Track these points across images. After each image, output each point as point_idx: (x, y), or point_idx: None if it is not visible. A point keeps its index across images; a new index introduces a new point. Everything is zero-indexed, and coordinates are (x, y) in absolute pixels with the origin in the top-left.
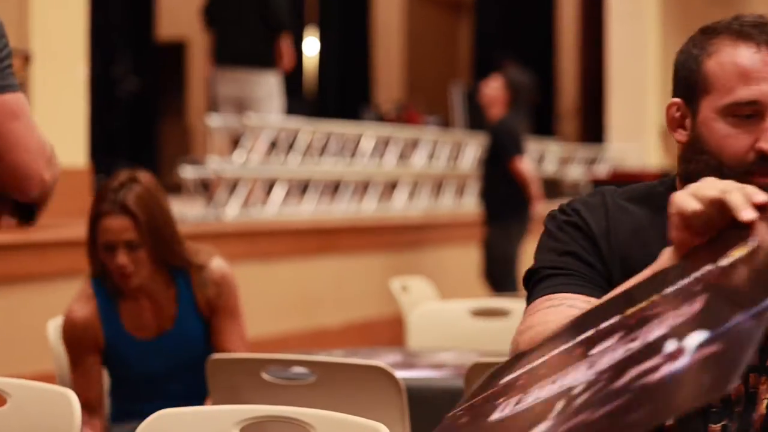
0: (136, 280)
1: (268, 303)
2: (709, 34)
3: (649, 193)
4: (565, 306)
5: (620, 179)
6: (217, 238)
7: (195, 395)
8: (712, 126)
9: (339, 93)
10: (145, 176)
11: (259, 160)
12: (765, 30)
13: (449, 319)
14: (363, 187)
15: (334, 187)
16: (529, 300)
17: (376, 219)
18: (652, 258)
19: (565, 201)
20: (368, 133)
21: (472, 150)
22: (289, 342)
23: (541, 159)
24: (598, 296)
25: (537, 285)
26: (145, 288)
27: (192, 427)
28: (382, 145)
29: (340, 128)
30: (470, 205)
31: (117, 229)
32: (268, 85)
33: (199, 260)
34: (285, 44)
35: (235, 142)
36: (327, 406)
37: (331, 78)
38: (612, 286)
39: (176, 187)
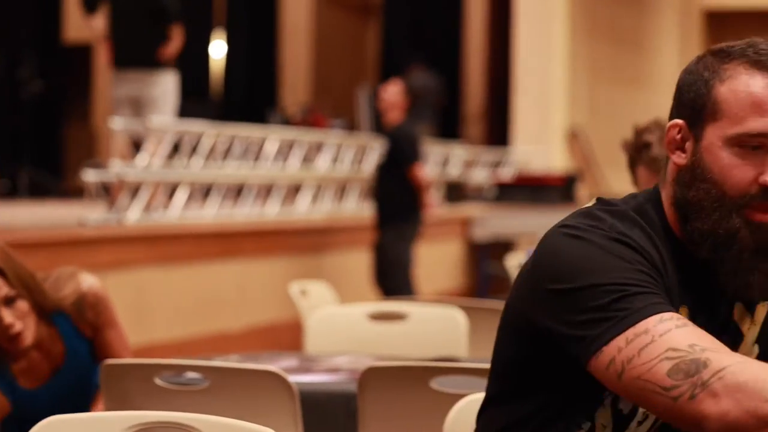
0: (27, 335)
1: (169, 307)
2: (722, 58)
3: (638, 214)
4: (692, 326)
5: (525, 182)
6: (118, 242)
7: None
8: (717, 154)
9: (246, 95)
10: None
11: (161, 163)
12: None
13: (347, 323)
14: (266, 191)
15: (237, 191)
16: (625, 319)
17: (279, 223)
18: (668, 284)
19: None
20: (272, 137)
21: (377, 154)
22: (191, 346)
23: (445, 162)
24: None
25: (624, 300)
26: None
27: None
28: (286, 149)
29: (244, 131)
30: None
31: None
32: (164, 84)
33: (69, 294)
34: (176, 34)
35: (137, 146)
36: (220, 411)
37: (238, 80)
38: None
39: (79, 191)
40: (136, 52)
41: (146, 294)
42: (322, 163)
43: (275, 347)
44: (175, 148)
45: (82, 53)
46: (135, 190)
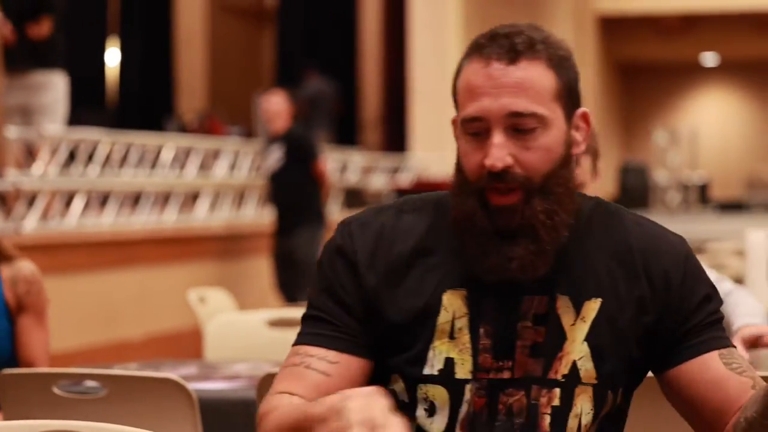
0: None
1: (69, 316)
2: (466, 50)
3: (437, 205)
4: (302, 367)
5: (423, 188)
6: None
7: None
8: (459, 142)
9: (142, 103)
10: None
11: (57, 171)
12: (498, 41)
13: (246, 330)
14: (164, 198)
15: (134, 199)
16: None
17: (178, 230)
18: (432, 272)
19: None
20: (169, 144)
21: (270, 160)
22: (91, 355)
23: (343, 168)
24: (347, 347)
25: (302, 324)
26: None
27: None
28: (183, 156)
29: (140, 139)
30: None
31: None
32: (55, 89)
33: (12, 256)
34: (44, 23)
35: (31, 154)
36: (119, 420)
37: (133, 88)
38: (369, 317)
39: None
40: (21, 53)
41: None
42: (220, 170)
43: (176, 355)
44: (71, 156)
45: None
46: (31, 199)
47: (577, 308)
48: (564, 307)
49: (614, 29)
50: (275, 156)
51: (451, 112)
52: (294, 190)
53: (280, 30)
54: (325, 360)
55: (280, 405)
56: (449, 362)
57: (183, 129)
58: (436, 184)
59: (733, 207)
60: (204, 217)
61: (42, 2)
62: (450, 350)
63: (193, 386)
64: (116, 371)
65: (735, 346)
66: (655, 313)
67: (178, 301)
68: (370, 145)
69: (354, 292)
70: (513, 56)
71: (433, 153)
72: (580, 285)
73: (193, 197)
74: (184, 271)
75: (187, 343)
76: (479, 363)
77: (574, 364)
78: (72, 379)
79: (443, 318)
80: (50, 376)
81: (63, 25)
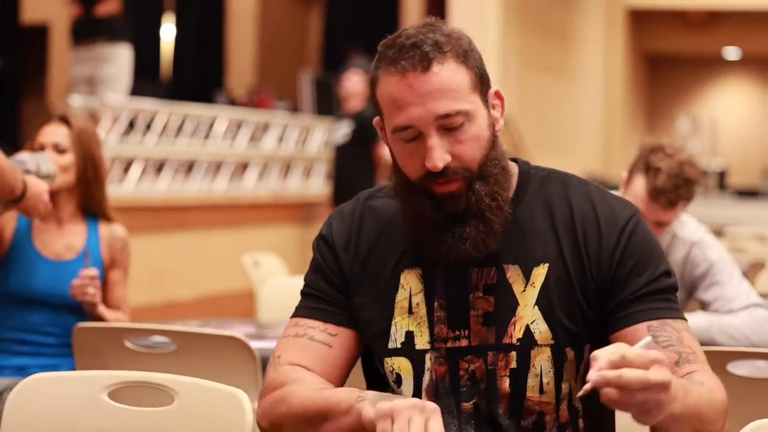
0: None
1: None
2: (376, 60)
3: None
4: (306, 339)
5: None
6: None
7: (65, 345)
8: (393, 147)
9: (194, 77)
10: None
11: (117, 139)
12: (407, 52)
13: (298, 292)
14: (216, 167)
15: (188, 167)
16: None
17: (228, 198)
18: (391, 254)
19: None
20: (222, 116)
21: (320, 134)
22: (143, 313)
23: None
24: (342, 321)
25: (300, 299)
26: (57, 213)
27: (63, 392)
28: (234, 128)
29: (195, 110)
30: (317, 186)
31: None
32: (120, 61)
33: (113, 218)
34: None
35: (94, 121)
36: (186, 372)
37: (187, 63)
38: (353, 297)
39: None
40: (92, 27)
41: None
42: (269, 142)
43: (224, 315)
44: (131, 125)
45: (40, 32)
46: None
47: (527, 275)
48: (515, 275)
49: (643, 22)
50: (343, 132)
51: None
52: (354, 165)
53: (327, 10)
54: (326, 332)
55: (301, 380)
56: (409, 335)
57: (233, 103)
58: None
59: (749, 194)
60: (252, 186)
61: None
62: (409, 324)
63: (252, 344)
64: (184, 327)
65: (683, 318)
66: (594, 279)
67: (226, 265)
68: None
69: (338, 273)
70: (426, 64)
71: None
72: (527, 253)
73: (242, 167)
74: (233, 236)
75: (234, 304)
76: (435, 333)
77: (527, 327)
78: (142, 334)
79: (401, 295)
80: (122, 330)
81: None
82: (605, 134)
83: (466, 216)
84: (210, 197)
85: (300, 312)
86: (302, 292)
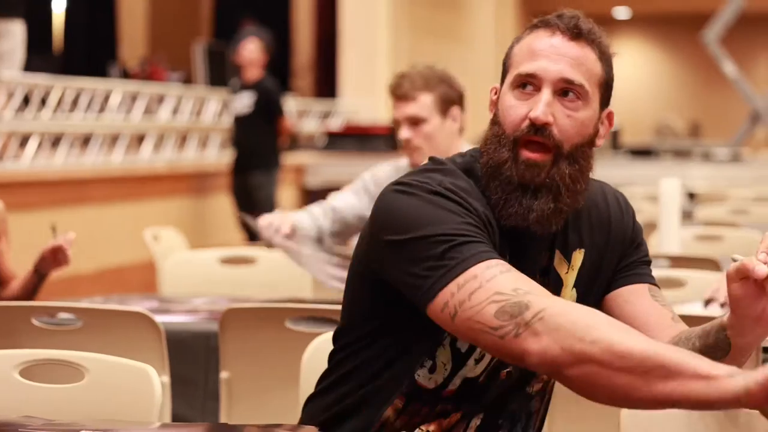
0: None
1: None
2: (530, 25)
3: (465, 171)
4: (516, 271)
5: (353, 132)
6: None
7: None
8: (503, 98)
9: (86, 49)
10: None
11: (12, 115)
12: (564, 20)
13: (200, 267)
14: (112, 140)
15: (84, 140)
16: (456, 267)
17: (125, 170)
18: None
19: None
20: (116, 89)
21: (214, 105)
22: (47, 288)
23: None
24: None
25: (454, 250)
26: None
27: None
28: (129, 100)
29: (90, 84)
30: (212, 156)
31: None
32: (14, 37)
33: None
34: None
35: None
36: (94, 348)
37: (79, 35)
38: None
39: None
40: None
41: None
42: (163, 113)
43: (126, 289)
44: (25, 100)
45: None
46: None
47: (568, 259)
48: (558, 259)
49: None
50: (244, 102)
51: (380, 61)
52: (257, 134)
53: None
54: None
55: (596, 318)
56: None
57: (126, 75)
58: (364, 128)
59: (642, 153)
60: (149, 158)
61: None
62: None
63: (157, 318)
64: (89, 304)
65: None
66: (617, 255)
67: (125, 237)
68: (303, 90)
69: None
70: (576, 34)
71: (362, 99)
72: (569, 239)
73: (138, 139)
74: (131, 208)
75: (135, 277)
76: None
77: None
78: (48, 312)
79: None
80: (29, 308)
81: None
82: None
83: (540, 189)
84: (107, 170)
85: (480, 257)
86: (453, 245)
